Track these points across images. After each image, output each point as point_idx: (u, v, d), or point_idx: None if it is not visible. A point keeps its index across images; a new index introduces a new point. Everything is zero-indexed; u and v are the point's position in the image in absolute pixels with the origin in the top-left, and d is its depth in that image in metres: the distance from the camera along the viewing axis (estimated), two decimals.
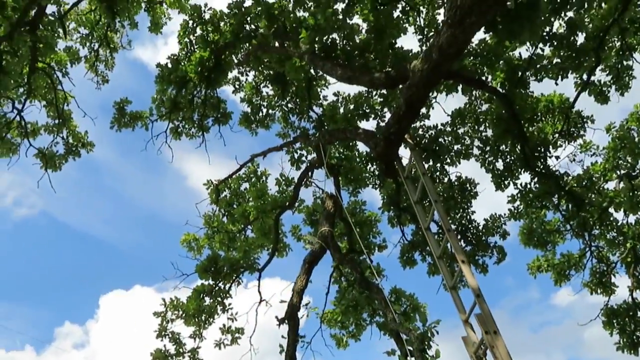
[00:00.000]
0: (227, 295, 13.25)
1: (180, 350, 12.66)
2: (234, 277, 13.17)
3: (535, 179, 12.78)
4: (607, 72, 12.84)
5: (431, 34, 12.13)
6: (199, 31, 12.61)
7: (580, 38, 11.45)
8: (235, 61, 13.11)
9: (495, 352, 6.78)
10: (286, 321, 8.69)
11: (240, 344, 13.08)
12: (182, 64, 12.54)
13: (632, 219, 13.78)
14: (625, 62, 12.74)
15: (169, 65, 12.50)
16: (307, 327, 19.80)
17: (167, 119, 13.67)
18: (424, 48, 12.21)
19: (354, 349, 14.48)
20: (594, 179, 13.41)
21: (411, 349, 7.76)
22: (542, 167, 12.50)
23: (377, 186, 14.69)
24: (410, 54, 11.58)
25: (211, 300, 13.17)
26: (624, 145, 13.02)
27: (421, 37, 12.38)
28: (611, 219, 13.93)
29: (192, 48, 12.85)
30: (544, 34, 10.99)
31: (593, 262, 14.10)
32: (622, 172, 13.39)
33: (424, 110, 13.10)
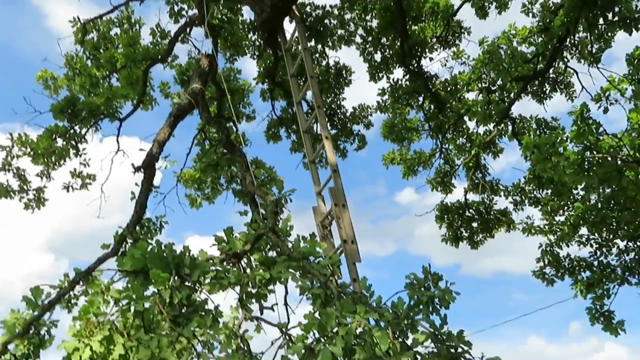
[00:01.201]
0: (82, 140, 12.69)
1: (25, 187, 12.14)
2: (92, 123, 12.59)
3: (407, 76, 13.34)
4: None
5: None
6: None
7: None
8: None
9: (340, 222, 7.32)
10: (142, 169, 8.57)
11: (90, 190, 12.81)
12: None
13: (482, 129, 15.03)
14: None
15: None
16: (162, 185, 19.73)
17: None
18: None
19: (206, 210, 14.84)
20: (458, 86, 14.27)
21: (265, 212, 8.13)
22: (415, 66, 13.03)
23: (255, 56, 14.46)
24: None
25: (64, 143, 12.56)
26: (491, 60, 13.85)
27: None
28: (464, 126, 15.09)
29: None
30: None
31: (440, 163, 15.36)
32: (484, 85, 14.36)
33: None
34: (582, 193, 12.24)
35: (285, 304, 7.34)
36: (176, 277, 5.73)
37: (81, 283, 8.07)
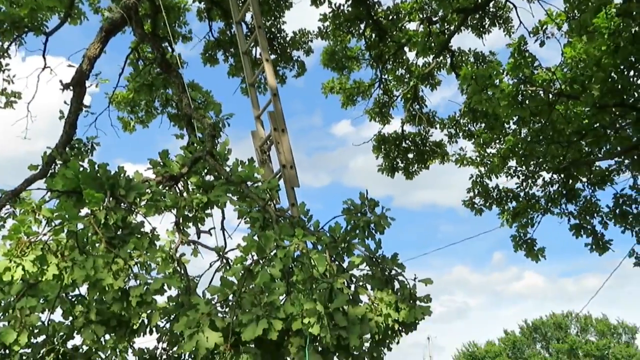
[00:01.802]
0: (6, 54, 11.87)
1: None
2: (15, 36, 11.74)
3: (349, 2, 13.06)
4: None
5: None
6: None
7: None
8: None
9: (279, 147, 7.27)
10: (71, 87, 8.10)
11: (16, 109, 12.13)
12: None
13: (421, 61, 15.08)
14: None
15: None
16: (93, 107, 18.94)
17: None
18: None
19: (139, 137, 14.43)
20: (400, 15, 14.14)
21: (202, 135, 7.96)
22: None
23: None
24: None
25: None
26: None
27: None
28: (404, 57, 15.09)
29: None
30: None
31: (379, 93, 15.39)
32: (425, 15, 14.29)
33: None
34: (513, 127, 12.63)
35: (222, 229, 7.35)
36: (111, 199, 5.58)
37: (8, 206, 7.74)
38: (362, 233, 6.06)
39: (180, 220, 7.06)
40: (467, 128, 15.10)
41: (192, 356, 5.36)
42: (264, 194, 6.26)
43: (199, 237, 7.52)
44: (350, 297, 5.10)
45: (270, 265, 5.09)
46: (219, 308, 5.15)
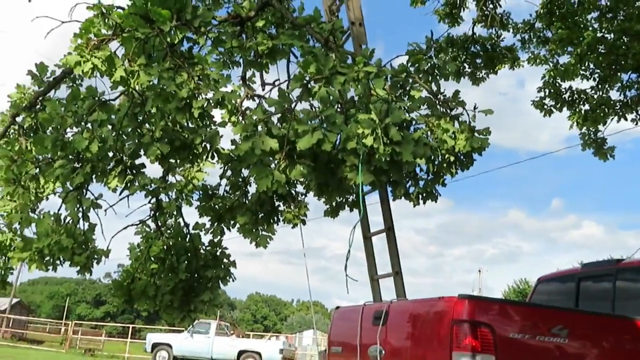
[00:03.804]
0: None
1: None
2: None
3: None
4: None
5: None
6: None
7: None
8: None
9: (349, 4, 7.15)
10: None
11: None
12: None
13: None
14: None
15: None
16: None
17: None
18: None
19: None
20: None
21: None
22: None
23: None
24: None
25: None
26: None
27: None
28: None
29: None
30: None
31: None
32: None
33: None
34: (594, 25, 11.85)
35: (288, 87, 7.39)
36: (177, 22, 5.65)
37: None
38: (426, 76, 5.97)
39: (245, 67, 7.14)
40: (542, 34, 14.32)
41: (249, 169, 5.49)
42: (327, 34, 6.21)
43: (263, 89, 7.62)
44: (406, 119, 5.03)
45: (327, 85, 5.08)
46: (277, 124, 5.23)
